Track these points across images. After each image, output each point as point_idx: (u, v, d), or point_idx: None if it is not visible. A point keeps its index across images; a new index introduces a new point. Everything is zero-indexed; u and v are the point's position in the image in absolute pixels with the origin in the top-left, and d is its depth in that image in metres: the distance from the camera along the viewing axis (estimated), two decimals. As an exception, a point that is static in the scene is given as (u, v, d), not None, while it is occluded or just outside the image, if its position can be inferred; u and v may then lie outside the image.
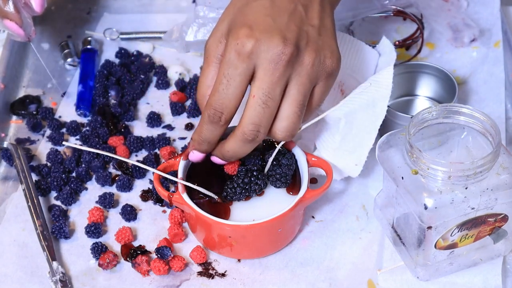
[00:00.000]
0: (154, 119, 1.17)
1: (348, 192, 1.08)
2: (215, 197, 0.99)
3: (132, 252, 1.01)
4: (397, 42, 1.22)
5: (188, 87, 1.22)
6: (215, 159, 0.98)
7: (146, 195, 1.09)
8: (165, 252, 1.00)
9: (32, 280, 1.00)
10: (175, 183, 1.06)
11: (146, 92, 1.22)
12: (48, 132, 1.17)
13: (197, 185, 0.98)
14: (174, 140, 1.15)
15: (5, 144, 1.13)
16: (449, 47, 1.25)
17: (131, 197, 1.09)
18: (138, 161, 1.12)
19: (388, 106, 1.03)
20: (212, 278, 1.00)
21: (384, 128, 1.04)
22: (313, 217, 1.06)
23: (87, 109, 1.18)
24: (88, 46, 1.27)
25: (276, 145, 1.00)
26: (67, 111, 1.20)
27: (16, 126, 1.19)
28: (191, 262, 1.01)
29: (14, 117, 1.20)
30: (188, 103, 1.20)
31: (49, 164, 1.12)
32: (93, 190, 1.09)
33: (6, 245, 1.03)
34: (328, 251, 1.02)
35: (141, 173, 1.10)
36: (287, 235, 1.02)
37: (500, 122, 1.14)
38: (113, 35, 1.30)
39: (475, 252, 0.97)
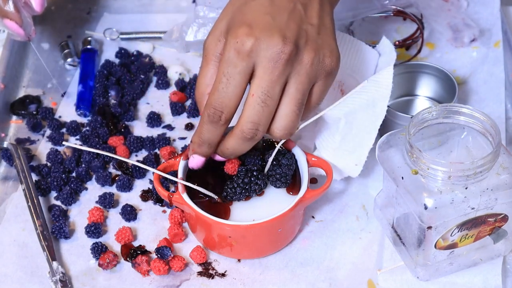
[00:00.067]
0: (154, 119, 1.17)
1: (348, 192, 1.08)
2: (215, 197, 0.99)
3: (132, 252, 1.01)
4: (397, 42, 1.22)
5: (188, 87, 1.22)
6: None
7: (146, 195, 1.08)
8: (165, 252, 1.00)
9: (32, 280, 1.00)
10: (175, 183, 1.06)
11: (146, 92, 1.22)
12: (48, 132, 1.16)
13: (197, 185, 0.98)
14: (174, 140, 1.15)
15: (5, 144, 1.12)
16: (449, 47, 1.25)
17: (131, 197, 1.09)
18: (138, 161, 1.12)
19: (388, 106, 1.03)
20: (212, 278, 1.00)
21: (384, 128, 1.04)
22: (313, 217, 1.06)
23: (87, 109, 1.18)
24: (88, 46, 1.26)
25: (276, 145, 1.00)
26: (67, 111, 1.20)
27: (16, 126, 1.19)
28: (191, 262, 1.01)
29: (14, 117, 1.20)
30: (188, 103, 1.20)
31: (49, 164, 1.12)
32: (93, 190, 1.09)
33: (6, 245, 1.03)
34: (328, 251, 1.02)
35: (141, 173, 1.10)
36: (287, 235, 1.02)
37: (500, 122, 1.14)
38: (113, 35, 1.29)
39: (475, 252, 0.97)
